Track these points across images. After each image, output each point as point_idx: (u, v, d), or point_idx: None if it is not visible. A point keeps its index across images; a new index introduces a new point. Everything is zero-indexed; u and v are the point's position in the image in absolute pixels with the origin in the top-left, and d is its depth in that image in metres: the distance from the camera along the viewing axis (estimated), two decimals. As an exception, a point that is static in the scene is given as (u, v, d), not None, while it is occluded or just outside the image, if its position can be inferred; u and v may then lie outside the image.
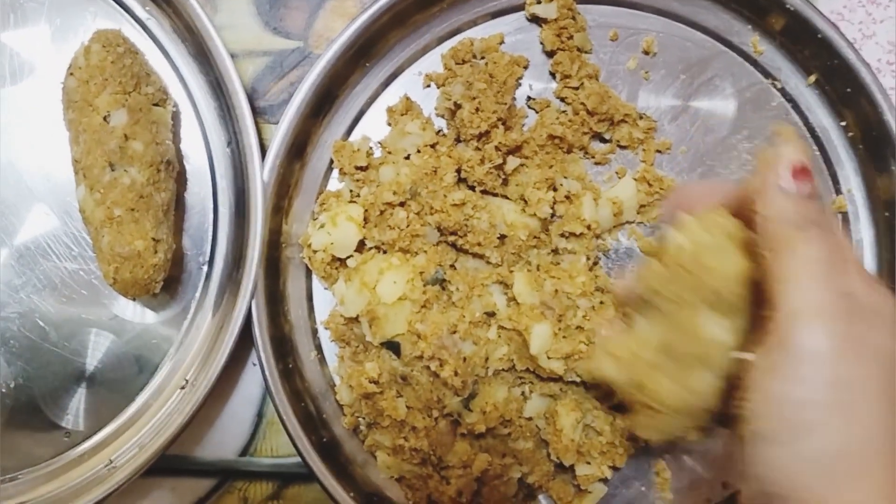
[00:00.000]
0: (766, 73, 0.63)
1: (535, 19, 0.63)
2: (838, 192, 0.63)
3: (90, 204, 0.56)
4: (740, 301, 0.42)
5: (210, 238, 0.63)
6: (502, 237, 0.59)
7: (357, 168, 0.61)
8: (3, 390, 0.62)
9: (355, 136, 0.64)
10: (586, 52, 0.63)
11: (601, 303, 0.58)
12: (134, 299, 0.62)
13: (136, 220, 0.55)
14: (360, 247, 0.60)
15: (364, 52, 0.62)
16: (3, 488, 0.61)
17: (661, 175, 0.62)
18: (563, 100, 0.63)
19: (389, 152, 0.61)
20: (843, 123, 0.62)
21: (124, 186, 0.55)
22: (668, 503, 0.62)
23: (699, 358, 0.43)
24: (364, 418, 0.61)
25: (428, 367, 0.56)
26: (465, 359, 0.56)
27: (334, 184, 0.64)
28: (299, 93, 0.59)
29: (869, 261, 0.62)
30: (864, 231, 0.62)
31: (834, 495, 0.35)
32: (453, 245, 0.60)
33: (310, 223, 0.62)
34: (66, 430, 0.62)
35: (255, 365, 0.65)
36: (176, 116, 0.62)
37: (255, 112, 0.64)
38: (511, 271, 0.59)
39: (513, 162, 0.59)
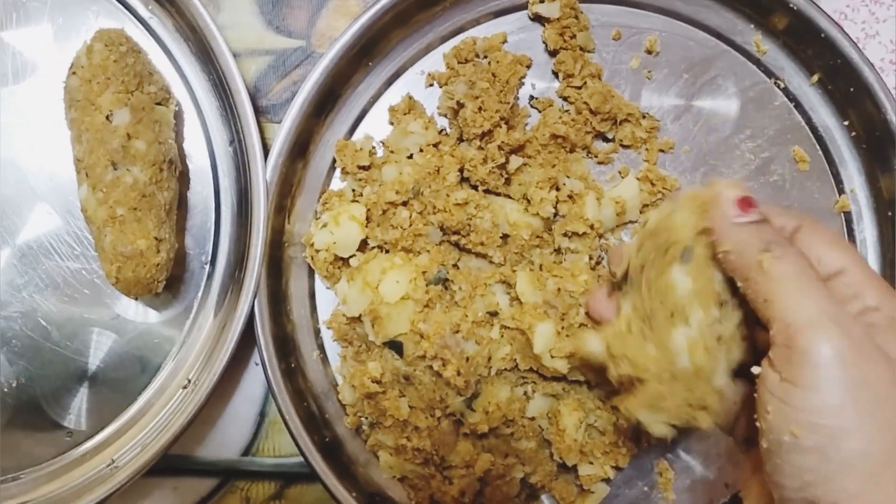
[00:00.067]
0: (769, 73, 0.63)
1: (538, 18, 0.63)
2: (841, 191, 0.63)
3: (92, 203, 0.56)
4: (707, 251, 0.43)
5: (212, 237, 0.63)
6: (505, 236, 0.59)
7: (360, 167, 0.61)
8: (5, 390, 0.62)
9: (358, 135, 0.64)
10: (589, 52, 0.63)
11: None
12: (136, 299, 0.62)
13: (138, 219, 0.55)
14: (363, 246, 0.60)
15: (367, 51, 0.62)
16: (5, 488, 0.61)
17: (664, 174, 0.62)
18: (565, 99, 0.63)
19: (392, 151, 0.61)
20: (846, 123, 0.62)
21: (127, 186, 0.55)
22: (671, 503, 0.62)
23: (674, 313, 0.44)
24: (366, 418, 0.61)
25: (430, 367, 0.56)
26: (467, 358, 0.56)
27: (337, 183, 0.64)
28: (302, 92, 0.59)
29: (872, 260, 0.62)
30: (868, 230, 0.62)
31: (873, 492, 0.35)
32: (456, 244, 0.60)
33: (312, 222, 0.62)
34: (67, 430, 0.62)
35: (257, 365, 0.65)
36: (178, 115, 0.62)
37: (258, 111, 0.64)
38: (514, 271, 0.59)
39: (515, 161, 0.58)
